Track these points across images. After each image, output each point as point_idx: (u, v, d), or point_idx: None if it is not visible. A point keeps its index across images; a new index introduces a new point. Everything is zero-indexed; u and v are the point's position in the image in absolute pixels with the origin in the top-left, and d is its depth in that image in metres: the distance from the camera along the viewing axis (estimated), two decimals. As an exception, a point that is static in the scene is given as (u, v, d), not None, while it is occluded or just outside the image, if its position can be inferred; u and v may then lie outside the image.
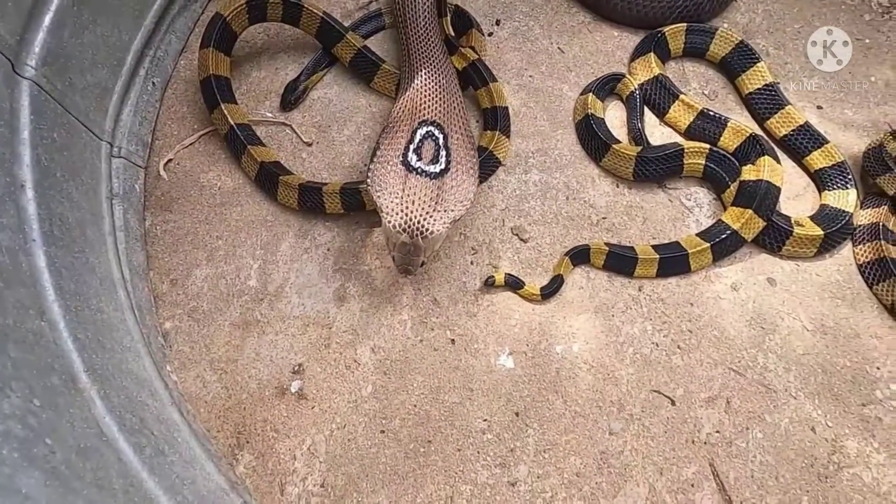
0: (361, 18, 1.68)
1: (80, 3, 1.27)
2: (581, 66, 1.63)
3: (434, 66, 1.40)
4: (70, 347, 1.04)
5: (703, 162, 1.44)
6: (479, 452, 1.24)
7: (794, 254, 1.39)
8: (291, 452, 1.25)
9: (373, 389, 1.30)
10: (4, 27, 1.11)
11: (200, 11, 1.69)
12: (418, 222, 1.17)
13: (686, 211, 1.46)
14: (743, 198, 1.38)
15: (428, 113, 1.29)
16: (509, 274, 1.36)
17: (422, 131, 1.26)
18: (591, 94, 1.53)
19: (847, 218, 1.38)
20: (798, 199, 1.47)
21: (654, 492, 1.20)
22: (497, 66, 1.61)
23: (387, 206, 1.19)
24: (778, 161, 1.42)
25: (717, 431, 1.25)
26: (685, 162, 1.44)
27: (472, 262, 1.41)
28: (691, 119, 1.50)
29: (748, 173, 1.40)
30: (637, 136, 1.51)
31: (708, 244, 1.36)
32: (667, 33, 1.57)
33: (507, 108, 1.52)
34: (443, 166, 1.24)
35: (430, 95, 1.32)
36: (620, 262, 1.38)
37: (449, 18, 1.54)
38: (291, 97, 1.57)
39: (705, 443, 1.24)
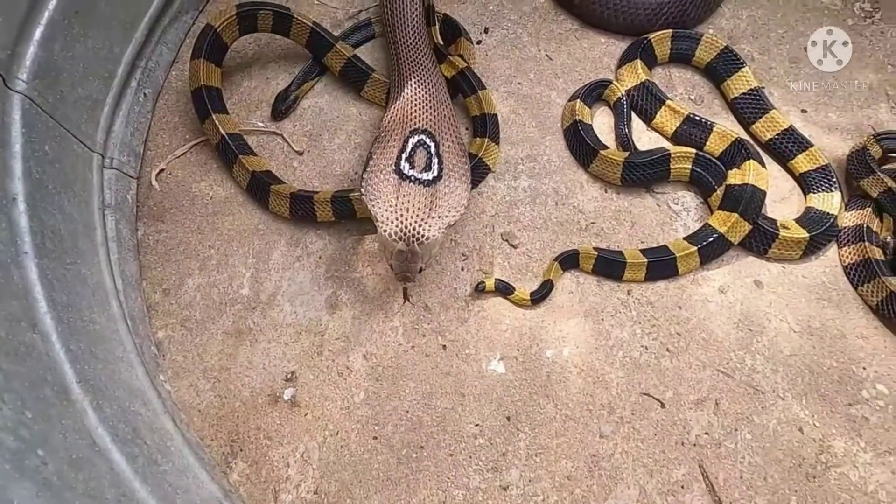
0: (351, 28, 1.70)
1: (71, 16, 1.28)
2: (569, 72, 1.65)
3: (423, 75, 1.41)
4: (62, 359, 1.05)
5: (690, 166, 1.46)
6: (471, 457, 1.25)
7: (780, 256, 1.41)
8: (285, 460, 1.26)
9: (365, 396, 1.31)
10: (-5, 42, 1.12)
11: (191, 23, 1.70)
12: (413, 229, 1.17)
13: (673, 215, 1.48)
14: (729, 201, 1.40)
15: (419, 121, 1.31)
16: (500, 279, 1.38)
17: (413, 140, 1.27)
18: (578, 100, 1.55)
19: (832, 220, 1.40)
20: (784, 202, 1.49)
21: (644, 494, 1.21)
22: (486, 73, 1.63)
23: (381, 215, 1.20)
24: (763, 165, 1.44)
25: (706, 433, 1.26)
26: (672, 167, 1.46)
27: (462, 269, 1.42)
28: (678, 124, 1.52)
29: (734, 177, 1.42)
30: (624, 141, 1.53)
31: (695, 248, 1.37)
32: (653, 40, 1.60)
33: (496, 115, 1.53)
34: (435, 174, 1.25)
35: (420, 104, 1.34)
36: (609, 266, 1.39)
37: (437, 27, 1.56)
38: (282, 107, 1.58)
39: (694, 444, 1.25)
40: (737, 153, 1.44)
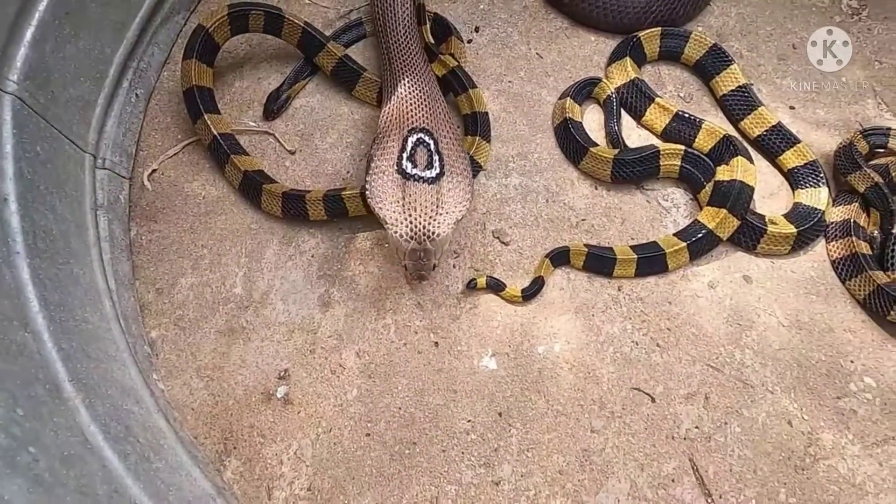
0: (342, 28, 1.71)
1: (62, 17, 1.29)
2: (559, 70, 1.66)
3: (416, 74, 1.42)
4: (54, 357, 1.06)
5: (679, 163, 1.47)
6: (463, 453, 1.26)
7: (768, 251, 1.42)
8: (278, 457, 1.27)
9: (358, 393, 1.32)
10: (-14, 43, 1.12)
11: (183, 23, 1.71)
12: (424, 227, 1.17)
13: (663, 211, 1.49)
14: (718, 198, 1.41)
15: (416, 120, 1.31)
16: (491, 276, 1.39)
17: (413, 139, 1.27)
18: (568, 98, 1.56)
19: (819, 215, 1.41)
20: (772, 198, 1.50)
21: (635, 487, 1.22)
22: (476, 72, 1.64)
23: (390, 217, 1.19)
24: (751, 161, 1.45)
25: (697, 427, 1.27)
26: (661, 163, 1.47)
27: (454, 266, 1.43)
28: (667, 121, 1.53)
29: (722, 174, 1.43)
30: (614, 138, 1.54)
31: (685, 243, 1.38)
32: (642, 37, 1.61)
33: (486, 113, 1.54)
34: (438, 170, 1.25)
35: (415, 103, 1.34)
36: (600, 262, 1.40)
37: (429, 26, 1.57)
38: (274, 106, 1.59)
39: (685, 438, 1.26)
40: (725, 150, 1.45)
